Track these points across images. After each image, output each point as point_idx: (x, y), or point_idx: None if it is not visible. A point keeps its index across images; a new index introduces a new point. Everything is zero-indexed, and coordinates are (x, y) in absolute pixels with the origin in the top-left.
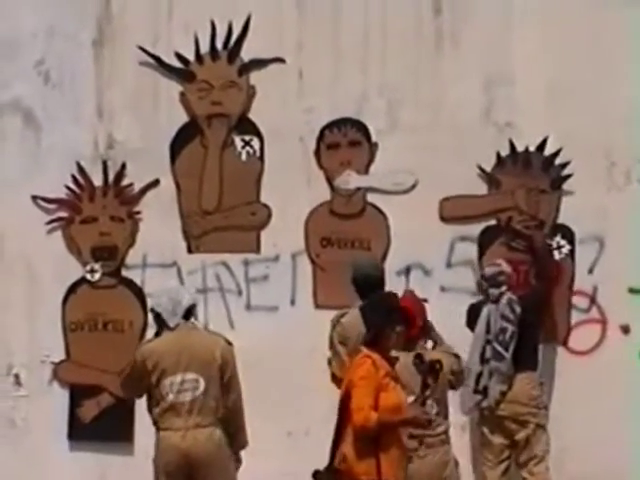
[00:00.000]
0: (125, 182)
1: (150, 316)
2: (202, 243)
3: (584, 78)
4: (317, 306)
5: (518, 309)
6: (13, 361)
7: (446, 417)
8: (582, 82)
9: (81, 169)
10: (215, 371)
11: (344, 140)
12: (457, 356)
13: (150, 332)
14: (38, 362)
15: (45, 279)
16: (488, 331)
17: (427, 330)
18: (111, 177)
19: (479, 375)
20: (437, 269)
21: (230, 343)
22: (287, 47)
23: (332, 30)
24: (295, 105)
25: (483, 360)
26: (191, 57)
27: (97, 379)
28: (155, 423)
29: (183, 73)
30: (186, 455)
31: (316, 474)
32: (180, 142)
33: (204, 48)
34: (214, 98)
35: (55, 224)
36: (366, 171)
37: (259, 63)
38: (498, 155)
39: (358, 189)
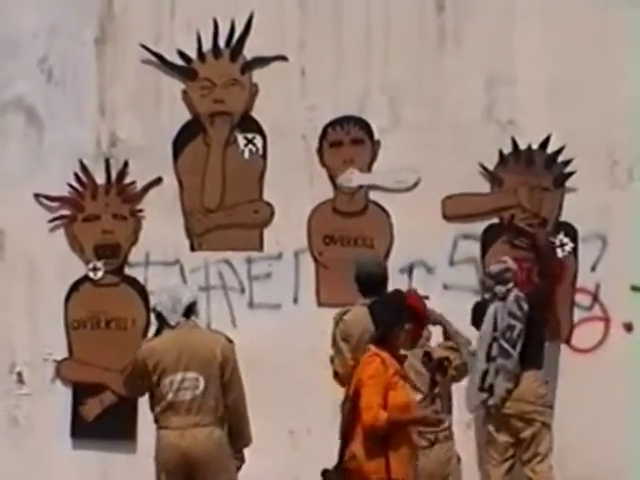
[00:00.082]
0: (128, 180)
1: (152, 315)
2: (205, 241)
3: (586, 76)
4: (320, 304)
5: (525, 306)
6: (16, 359)
7: (449, 412)
8: (584, 80)
9: (84, 167)
10: (215, 370)
11: (347, 138)
12: (457, 349)
13: (153, 330)
14: (41, 360)
15: (48, 277)
16: (495, 329)
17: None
18: (114, 175)
19: (485, 373)
20: (440, 267)
21: (231, 341)
22: (289, 45)
23: (334, 28)
24: (298, 103)
25: (489, 358)
26: (193, 55)
27: (100, 377)
28: (156, 421)
29: (185, 71)
30: (185, 454)
31: (325, 473)
32: (183, 140)
33: (206, 46)
34: (216, 96)
35: (58, 222)
36: (369, 169)
37: (261, 61)
38: (500, 153)
39: (361, 187)
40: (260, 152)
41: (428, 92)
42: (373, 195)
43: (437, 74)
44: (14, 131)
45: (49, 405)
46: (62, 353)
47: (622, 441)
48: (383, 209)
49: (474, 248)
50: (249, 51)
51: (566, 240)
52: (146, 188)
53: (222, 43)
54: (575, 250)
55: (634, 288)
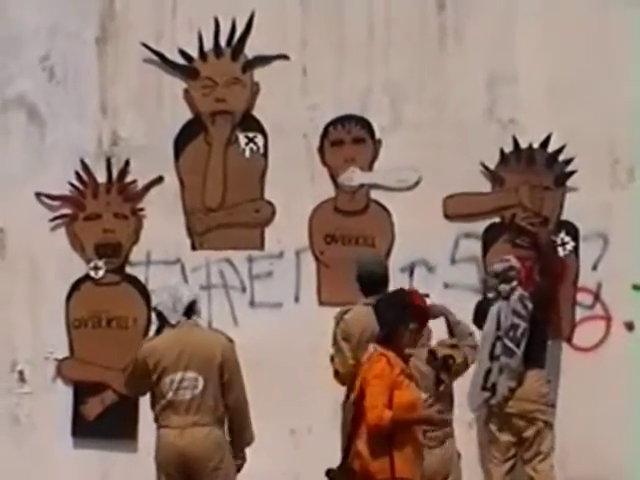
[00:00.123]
0: (129, 179)
1: (153, 314)
2: (206, 240)
3: (587, 75)
4: (321, 303)
5: (530, 305)
6: (17, 358)
7: (451, 409)
8: (585, 79)
9: (85, 166)
10: (215, 370)
11: (348, 137)
12: (457, 346)
13: (153, 329)
14: (42, 359)
15: (49, 276)
16: (498, 328)
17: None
18: (115, 174)
19: (488, 372)
20: (441, 266)
21: (232, 341)
22: (291, 44)
23: (336, 27)
24: (299, 102)
25: (492, 357)
26: (195, 54)
27: (101, 376)
28: (156, 420)
29: (187, 70)
30: (182, 454)
31: (329, 473)
32: (184, 139)
33: (208, 45)
34: (218, 95)
35: (59, 221)
36: (370, 168)
37: (263, 60)
38: (502, 152)
39: (362, 186)
40: (261, 151)
41: (429, 91)
42: (374, 194)
43: (438, 73)
44: (15, 129)
45: (50, 404)
46: (63, 352)
47: (623, 440)
48: (384, 208)
49: (475, 247)
50: (250, 50)
51: (567, 239)
52: (147, 187)
53: (223, 42)
54: (576, 249)
55: (635, 287)
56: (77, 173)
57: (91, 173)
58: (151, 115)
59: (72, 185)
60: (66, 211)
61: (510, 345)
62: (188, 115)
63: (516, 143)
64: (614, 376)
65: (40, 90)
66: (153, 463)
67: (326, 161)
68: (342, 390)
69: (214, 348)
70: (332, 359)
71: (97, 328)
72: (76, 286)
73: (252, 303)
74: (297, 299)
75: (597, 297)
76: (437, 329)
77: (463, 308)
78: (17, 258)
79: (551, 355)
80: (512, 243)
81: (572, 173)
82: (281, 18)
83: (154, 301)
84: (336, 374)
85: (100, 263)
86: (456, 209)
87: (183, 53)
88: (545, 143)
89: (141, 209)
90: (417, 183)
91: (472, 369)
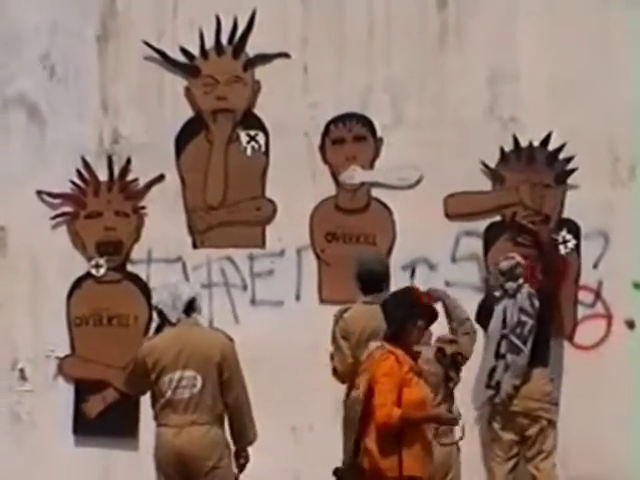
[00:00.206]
0: (130, 177)
1: (154, 312)
2: (207, 238)
3: (588, 73)
4: (322, 301)
5: (537, 303)
6: (18, 356)
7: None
8: (586, 77)
9: (86, 164)
10: (213, 369)
11: (349, 135)
12: (456, 341)
13: (154, 327)
14: (43, 357)
15: (50, 274)
16: (504, 326)
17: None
18: (116, 172)
19: (492, 370)
20: (442, 264)
21: (231, 339)
22: (292, 42)
23: (337, 25)
24: (300, 100)
25: (498, 355)
26: (196, 52)
27: (102, 374)
28: (155, 419)
29: (188, 68)
30: (179, 453)
31: (337, 471)
32: (185, 137)
33: (209, 43)
34: (219, 93)
35: (60, 219)
36: (371, 166)
37: (264, 58)
38: (502, 150)
39: (363, 184)
40: (262, 149)
41: (430, 89)
42: (375, 192)
43: (439, 71)
44: (16, 128)
45: (51, 402)
46: (64, 350)
47: (624, 438)
48: (385, 206)
49: (476, 245)
50: (251, 48)
51: (568, 237)
52: (148, 185)
53: (225, 40)
54: (577, 247)
55: (636, 285)
56: (78, 171)
57: (92, 171)
58: (152, 113)
59: (73, 183)
60: (67, 209)
61: (517, 342)
62: (189, 113)
63: (516, 141)
64: (615, 374)
65: (41, 89)
66: (153, 461)
67: (327, 159)
68: (343, 388)
69: (213, 347)
70: (332, 357)
71: (98, 326)
72: (77, 284)
73: (253, 301)
74: (298, 297)
75: (598, 295)
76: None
77: (465, 306)
78: (18, 256)
79: (553, 354)
80: (513, 241)
81: (573, 171)
82: (282, 16)
83: (154, 299)
84: (334, 372)
85: (101, 261)
86: (457, 207)
87: (184, 51)
88: (546, 141)
89: (142, 207)
90: (418, 181)
91: (477, 367)
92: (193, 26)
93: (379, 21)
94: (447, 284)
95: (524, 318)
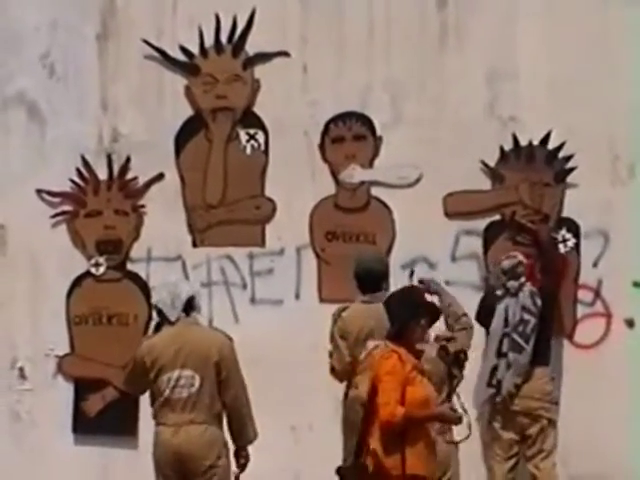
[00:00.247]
0: (130, 176)
1: (154, 312)
2: (207, 237)
3: (587, 72)
4: (322, 300)
5: (539, 301)
6: (18, 354)
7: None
8: (585, 76)
9: (86, 162)
10: (211, 368)
11: (349, 134)
12: (454, 338)
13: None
14: (42, 355)
15: (50, 272)
16: (506, 325)
17: None
18: (116, 171)
19: (494, 369)
20: (442, 263)
21: (230, 339)
22: (291, 41)
23: (336, 24)
24: (300, 99)
25: (500, 354)
26: (196, 51)
27: (102, 373)
28: (154, 417)
29: (188, 67)
30: (177, 452)
31: (340, 470)
32: (185, 136)
33: (209, 42)
34: (219, 92)
35: (60, 218)
36: (370, 165)
37: (264, 57)
38: (502, 149)
39: (362, 183)
40: (262, 148)
41: (430, 88)
42: (375, 191)
43: (439, 70)
44: (16, 126)
45: (51, 400)
46: (64, 348)
47: (624, 437)
48: (385, 205)
49: (476, 244)
50: (251, 47)
51: (568, 236)
52: (148, 184)
53: (224, 39)
54: (577, 246)
55: (636, 284)
56: (78, 170)
57: (92, 170)
58: (152, 112)
59: (73, 182)
60: (67, 208)
61: (519, 341)
62: (189, 112)
63: (516, 140)
64: (615, 373)
65: (40, 87)
66: (152, 460)
67: (327, 158)
68: (343, 387)
69: (211, 346)
70: (330, 355)
71: (98, 325)
72: (77, 283)
73: (253, 300)
74: (298, 296)
75: (598, 294)
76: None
77: (464, 305)
78: (18, 255)
79: (554, 353)
80: (513, 240)
81: (572, 170)
82: (282, 15)
83: (154, 298)
84: (332, 371)
85: (101, 260)
86: (456, 206)
87: (184, 50)
88: (545, 140)
89: (142, 206)
90: (418, 180)
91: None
92: (193, 25)
93: (379, 20)
94: (447, 283)
95: (526, 316)
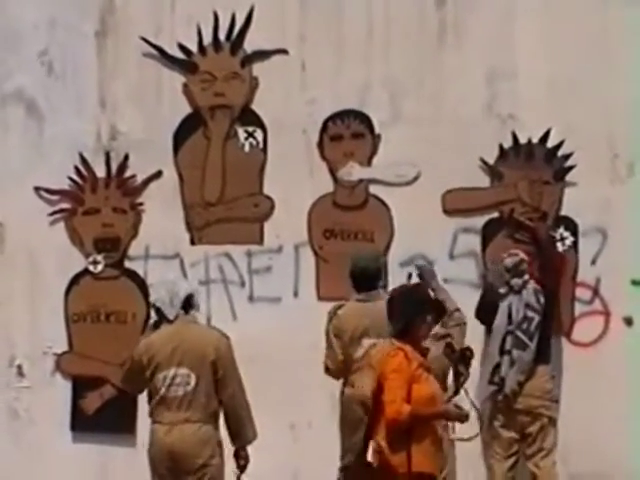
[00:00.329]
0: (128, 173)
1: (152, 310)
2: (205, 234)
3: (587, 70)
4: (320, 298)
5: (543, 299)
6: (16, 352)
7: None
8: (585, 74)
9: (84, 160)
10: (207, 367)
11: (347, 132)
12: (450, 335)
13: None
14: (41, 353)
15: (48, 270)
16: (510, 322)
17: None
18: (114, 168)
19: (496, 366)
20: (440, 260)
21: (227, 337)
22: (290, 39)
23: (335, 22)
24: (298, 97)
25: (502, 351)
26: (194, 48)
27: (100, 371)
28: (150, 415)
29: (186, 64)
30: (171, 450)
31: (344, 469)
32: (183, 133)
33: (207, 39)
34: (217, 89)
35: (58, 215)
36: (369, 163)
37: (262, 55)
38: (501, 147)
39: (361, 181)
40: (260, 145)
41: (428, 86)
42: (373, 189)
43: (437, 68)
44: (14, 124)
45: (49, 398)
46: (62, 346)
47: (623, 435)
48: (383, 203)
49: (474, 242)
50: (249, 44)
51: (566, 234)
52: (146, 181)
53: (222, 36)
54: (575, 244)
55: (634, 282)
56: (76, 167)
57: (90, 167)
58: (150, 109)
59: (71, 179)
60: (65, 205)
61: (523, 338)
62: (187, 109)
63: (515, 138)
64: (613, 371)
65: (39, 85)
66: (147, 458)
67: (325, 156)
68: (341, 384)
69: (208, 344)
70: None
71: (96, 322)
72: (75, 280)
73: (251, 298)
74: (296, 294)
75: (596, 292)
76: None
77: (462, 303)
78: (16, 252)
79: (553, 351)
80: (511, 238)
81: (571, 168)
82: (280, 13)
83: (152, 297)
84: (326, 369)
85: (99, 257)
86: (455, 204)
87: (182, 47)
88: (544, 138)
89: (140, 203)
90: (416, 178)
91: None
92: (191, 22)
93: (377, 18)
94: (445, 281)
95: (530, 314)
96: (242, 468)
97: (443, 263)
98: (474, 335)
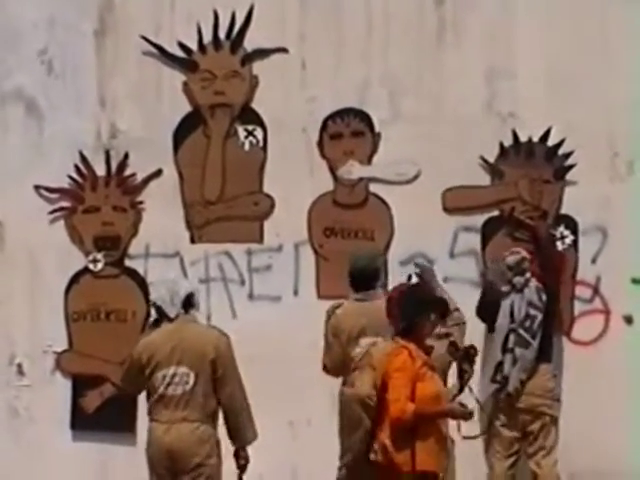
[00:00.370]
0: (128, 172)
1: (152, 309)
2: (205, 233)
3: (587, 69)
4: (320, 296)
5: (544, 297)
6: (16, 351)
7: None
8: (585, 73)
9: (84, 159)
10: (207, 366)
11: (347, 130)
12: (449, 334)
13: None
14: (41, 352)
15: (48, 269)
16: (512, 321)
17: None
18: (114, 167)
19: (499, 364)
20: (440, 259)
21: (227, 336)
22: (290, 37)
23: (335, 20)
24: (298, 95)
25: (505, 350)
26: (194, 47)
27: (100, 369)
28: (149, 414)
29: (186, 63)
30: (169, 450)
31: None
32: (183, 132)
33: (207, 38)
34: (217, 88)
35: (58, 214)
36: (369, 161)
37: (262, 53)
38: (501, 146)
39: (361, 179)
40: (260, 144)
41: (428, 85)
42: (373, 187)
43: (437, 67)
44: (14, 123)
45: (49, 397)
46: (62, 345)
47: (623, 433)
48: (383, 201)
49: (474, 240)
50: (249, 43)
51: (566, 233)
52: (146, 180)
53: (222, 35)
54: (575, 243)
55: (634, 281)
56: (76, 166)
57: (90, 166)
58: (150, 108)
59: (71, 178)
60: (65, 204)
61: (526, 336)
62: (187, 108)
63: (515, 137)
64: (613, 370)
65: (38, 83)
66: (145, 457)
67: (325, 154)
68: (339, 383)
69: (207, 344)
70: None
71: (96, 321)
72: (75, 279)
73: (251, 296)
74: (296, 292)
75: (596, 291)
76: None
77: (462, 302)
78: (16, 251)
79: (555, 349)
80: (511, 237)
81: (571, 167)
82: (280, 11)
83: (152, 295)
84: (324, 367)
85: (99, 256)
86: (455, 202)
87: (182, 46)
88: (545, 137)
89: (140, 202)
90: (416, 176)
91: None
92: (191, 21)
93: (377, 16)
94: (445, 279)
95: (533, 312)
96: (242, 468)
97: (443, 261)
98: (474, 334)
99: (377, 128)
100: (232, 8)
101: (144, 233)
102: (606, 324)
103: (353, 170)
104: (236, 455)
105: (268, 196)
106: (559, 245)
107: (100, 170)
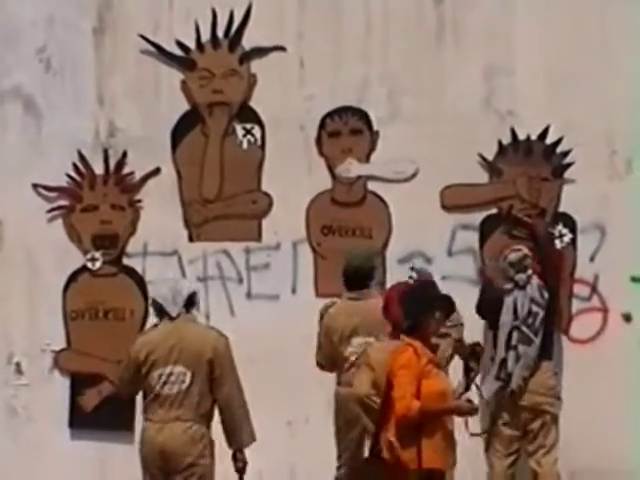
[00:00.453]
0: (126, 170)
1: (151, 308)
2: (203, 231)
3: (585, 66)
4: (318, 294)
5: (546, 294)
6: (14, 349)
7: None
8: (583, 70)
9: (82, 157)
10: (204, 366)
11: (345, 128)
12: (449, 334)
13: (151, 320)
14: (39, 350)
15: (46, 267)
16: (515, 318)
17: None
18: (112, 165)
19: (503, 361)
20: (438, 257)
21: (225, 337)
22: (288, 35)
23: (333, 18)
24: (296, 93)
25: (509, 347)
26: (192, 45)
27: (98, 368)
28: (144, 412)
29: (184, 61)
30: (162, 450)
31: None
32: (181, 130)
33: (205, 36)
34: (215, 86)
35: (56, 212)
36: (367, 159)
37: (260, 51)
38: (500, 143)
39: (359, 177)
40: (258, 142)
41: (427, 83)
42: (372, 185)
43: (436, 65)
44: (12, 121)
45: (47, 395)
46: (60, 343)
47: (622, 431)
48: (382, 199)
49: (473, 238)
50: (248, 41)
51: (565, 231)
52: (144, 178)
53: (221, 33)
54: (574, 241)
55: (633, 279)
56: (74, 164)
57: (88, 164)
58: (148, 106)
59: (69, 176)
60: (63, 202)
61: (528, 333)
62: (185, 106)
63: (514, 134)
64: (612, 368)
65: (37, 82)
66: (139, 457)
67: (323, 152)
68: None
69: (205, 343)
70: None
71: (94, 320)
72: (73, 277)
73: (249, 295)
74: (294, 291)
75: (594, 289)
76: None
77: (461, 299)
78: (14, 250)
79: (555, 347)
80: (509, 235)
81: (570, 165)
82: (278, 9)
83: (152, 294)
84: (318, 364)
85: (97, 254)
86: (453, 200)
87: (180, 44)
88: (543, 135)
89: (138, 200)
90: (414, 175)
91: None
92: (189, 19)
93: (376, 14)
94: (443, 278)
95: (535, 309)
96: (240, 471)
97: (441, 259)
98: (473, 332)
99: (375, 126)
100: (230, 6)
101: (142, 231)
102: (604, 322)
103: (351, 168)
104: (233, 458)
105: (266, 194)
106: (557, 243)
107: (98, 168)
